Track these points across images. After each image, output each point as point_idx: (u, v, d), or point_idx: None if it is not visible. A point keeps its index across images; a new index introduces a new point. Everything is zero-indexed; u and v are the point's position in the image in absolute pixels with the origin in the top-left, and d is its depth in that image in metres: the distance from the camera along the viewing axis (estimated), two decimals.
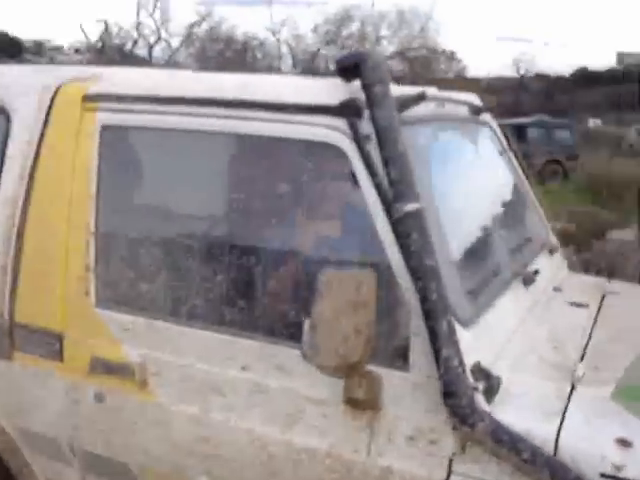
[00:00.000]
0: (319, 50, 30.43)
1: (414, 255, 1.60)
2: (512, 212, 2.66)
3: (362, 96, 1.75)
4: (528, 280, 2.29)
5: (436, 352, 1.58)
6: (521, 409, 1.65)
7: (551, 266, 2.67)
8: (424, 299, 1.59)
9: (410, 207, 1.62)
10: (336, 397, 1.74)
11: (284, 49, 31.02)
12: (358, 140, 1.73)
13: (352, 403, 1.70)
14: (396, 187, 1.64)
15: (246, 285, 1.89)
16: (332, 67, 28.52)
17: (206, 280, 1.94)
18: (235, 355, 1.88)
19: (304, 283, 1.83)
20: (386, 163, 1.66)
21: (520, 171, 2.94)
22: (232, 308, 1.90)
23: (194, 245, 1.96)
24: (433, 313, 1.58)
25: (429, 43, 30.42)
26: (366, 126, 1.73)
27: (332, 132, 1.77)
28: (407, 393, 1.69)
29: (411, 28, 30.30)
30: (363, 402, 1.68)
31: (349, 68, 1.74)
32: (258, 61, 28.07)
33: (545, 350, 1.97)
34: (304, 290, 1.82)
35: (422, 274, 1.59)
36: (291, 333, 1.81)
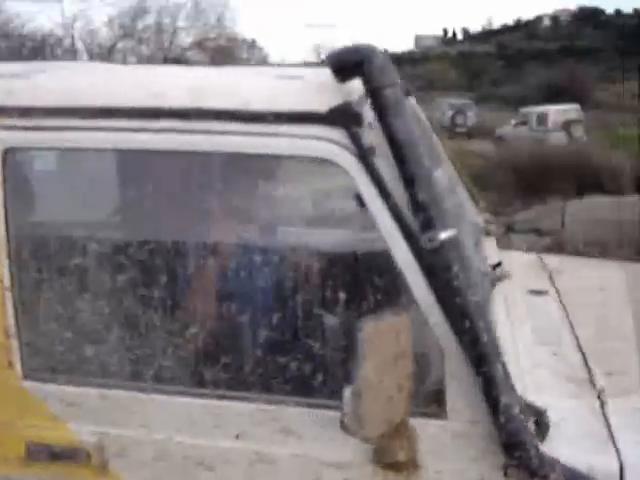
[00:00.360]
0: (115, 44, 29.08)
1: (457, 292, 1.36)
2: (460, 200, 2.50)
3: (356, 98, 1.46)
4: (500, 279, 2.14)
5: (493, 400, 1.37)
6: (570, 441, 1.49)
7: (494, 251, 2.55)
8: (474, 342, 1.36)
9: (447, 235, 1.37)
10: (360, 458, 1.49)
11: (79, 45, 29.30)
12: (363, 154, 1.45)
13: (390, 467, 1.46)
14: (426, 211, 1.38)
15: (231, 336, 1.56)
16: (132, 60, 27.35)
17: (176, 334, 1.58)
18: (225, 422, 1.55)
19: (308, 329, 1.53)
20: (409, 183, 1.39)
21: (444, 151, 2.79)
22: (215, 366, 1.56)
23: (155, 291, 1.58)
24: (486, 357, 1.36)
25: (227, 32, 30.20)
26: (368, 136, 1.45)
27: (326, 145, 1.47)
28: (447, 443, 1.48)
29: (208, 18, 29.79)
30: (403, 464, 1.45)
31: (347, 67, 1.44)
32: (57, 58, 26.07)
33: (548, 360, 1.83)
34: (308, 337, 1.53)
35: (469, 313, 1.36)
36: (296, 388, 1.52)
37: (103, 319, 1.62)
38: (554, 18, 60.15)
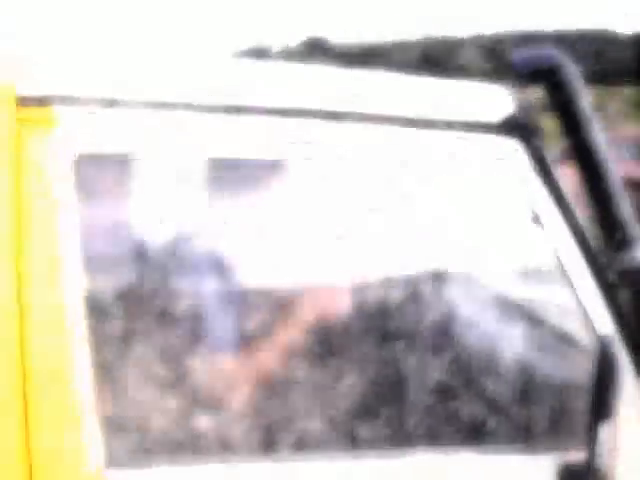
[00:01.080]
0: None
1: None
2: None
3: (526, 107, 1.35)
4: None
5: None
6: None
7: None
8: None
9: None
10: None
11: None
12: (545, 169, 1.32)
13: None
14: (627, 229, 1.30)
15: (399, 384, 1.30)
16: None
17: (325, 388, 1.27)
18: None
19: (483, 369, 1.34)
20: (607, 200, 1.30)
21: None
22: (384, 421, 1.28)
23: (303, 337, 1.26)
24: None
25: None
26: (548, 149, 1.34)
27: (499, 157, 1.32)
28: None
29: None
30: None
31: (536, 72, 1.31)
32: None
33: None
34: (483, 377, 1.34)
35: None
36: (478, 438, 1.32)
37: (219, 377, 1.24)
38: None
